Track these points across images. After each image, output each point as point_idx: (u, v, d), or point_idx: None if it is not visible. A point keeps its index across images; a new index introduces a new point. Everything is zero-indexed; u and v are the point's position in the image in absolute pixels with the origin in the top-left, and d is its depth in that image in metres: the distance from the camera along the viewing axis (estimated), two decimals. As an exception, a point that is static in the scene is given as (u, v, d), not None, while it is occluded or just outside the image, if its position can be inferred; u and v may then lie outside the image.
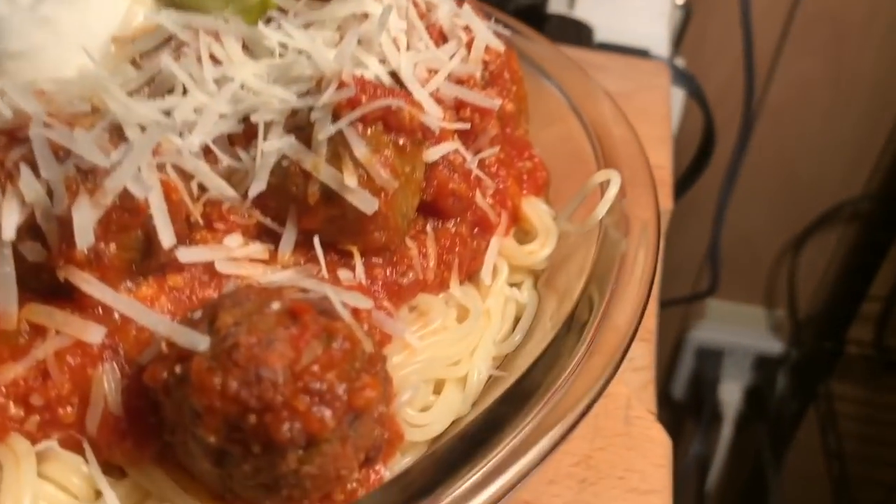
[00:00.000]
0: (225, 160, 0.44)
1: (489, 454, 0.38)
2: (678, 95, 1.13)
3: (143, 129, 0.41)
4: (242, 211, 0.44)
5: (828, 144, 1.62)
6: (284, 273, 0.43)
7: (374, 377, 0.36)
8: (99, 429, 0.39)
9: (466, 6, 0.55)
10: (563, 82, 0.65)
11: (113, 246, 0.39)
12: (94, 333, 0.38)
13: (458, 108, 0.53)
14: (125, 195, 0.38)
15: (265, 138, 0.43)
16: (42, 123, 0.39)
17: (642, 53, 1.04)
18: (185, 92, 0.45)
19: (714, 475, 1.83)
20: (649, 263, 0.49)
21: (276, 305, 0.36)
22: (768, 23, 1.50)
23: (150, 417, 0.39)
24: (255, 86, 0.44)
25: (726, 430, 1.81)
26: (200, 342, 0.35)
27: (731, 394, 1.81)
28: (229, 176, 0.44)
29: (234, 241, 0.43)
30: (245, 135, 0.44)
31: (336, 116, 0.43)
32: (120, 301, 0.39)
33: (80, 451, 0.39)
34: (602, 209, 0.52)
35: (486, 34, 0.55)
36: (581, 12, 1.10)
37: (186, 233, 0.42)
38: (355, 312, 0.39)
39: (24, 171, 0.37)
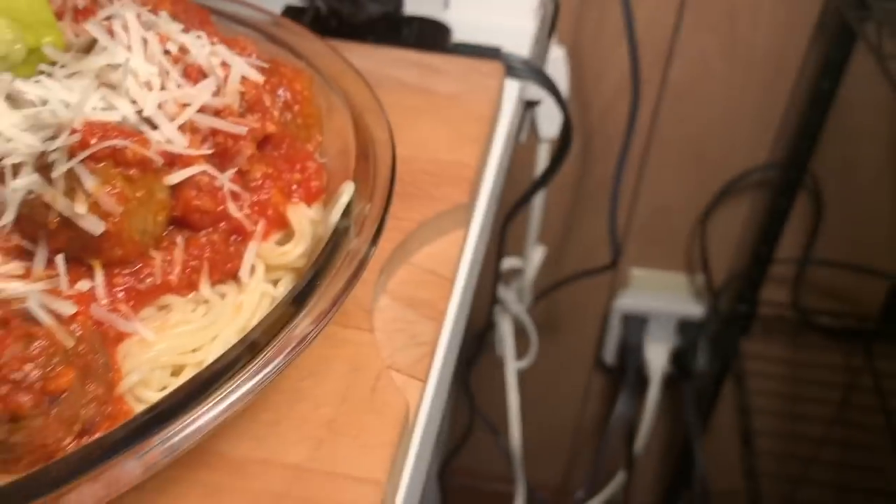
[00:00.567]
0: (-14, 196, 0.54)
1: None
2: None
3: None
4: (3, 235, 0.55)
5: (731, 116, 1.70)
6: (35, 285, 0.53)
7: (69, 366, 0.47)
8: None
9: (220, 45, 0.65)
10: (336, 79, 0.75)
11: None
12: None
13: (214, 135, 0.63)
14: None
15: (14, 177, 0.54)
16: None
17: (493, 53, 1.10)
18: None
19: (642, 436, 1.93)
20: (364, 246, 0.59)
21: (-7, 315, 0.47)
22: (664, 4, 1.58)
23: None
24: (8, 133, 0.55)
25: (653, 392, 1.91)
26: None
27: (657, 357, 1.90)
28: (-9, 208, 0.54)
29: (-5, 260, 0.54)
30: (2, 174, 0.55)
31: (72, 156, 0.53)
32: None
33: None
34: (335, 215, 0.62)
35: (242, 68, 0.65)
36: (455, 12, 1.17)
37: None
38: (75, 315, 0.50)
39: None
